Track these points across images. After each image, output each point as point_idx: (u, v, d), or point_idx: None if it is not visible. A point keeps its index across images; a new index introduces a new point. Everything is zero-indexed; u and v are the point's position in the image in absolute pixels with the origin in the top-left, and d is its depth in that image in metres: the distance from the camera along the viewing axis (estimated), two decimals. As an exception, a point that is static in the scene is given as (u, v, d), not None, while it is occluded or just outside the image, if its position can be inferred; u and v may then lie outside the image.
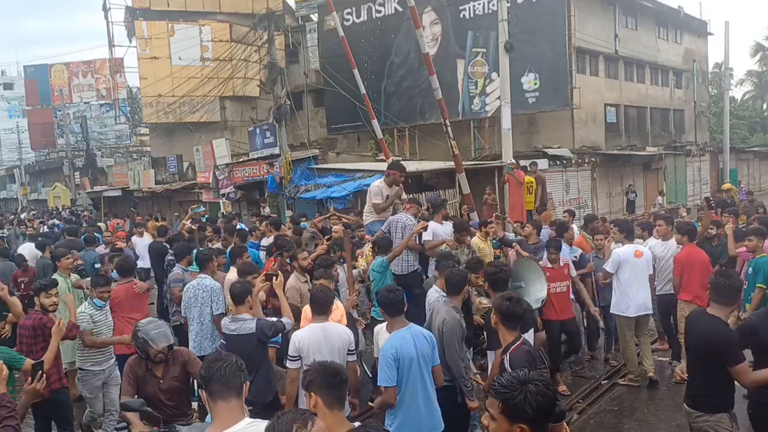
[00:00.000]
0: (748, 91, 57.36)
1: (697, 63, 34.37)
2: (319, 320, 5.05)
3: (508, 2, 17.71)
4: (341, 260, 7.69)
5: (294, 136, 25.39)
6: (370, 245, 8.31)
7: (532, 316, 5.73)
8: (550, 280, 7.41)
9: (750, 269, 7.34)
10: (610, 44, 26.73)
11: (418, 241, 7.92)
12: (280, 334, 5.62)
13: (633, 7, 28.11)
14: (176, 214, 27.28)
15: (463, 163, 17.57)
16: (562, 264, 7.85)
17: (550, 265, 7.74)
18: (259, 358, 5.29)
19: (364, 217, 9.19)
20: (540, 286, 7.07)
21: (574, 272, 8.08)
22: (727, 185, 21.40)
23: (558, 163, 21.40)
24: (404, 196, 9.15)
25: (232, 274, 7.19)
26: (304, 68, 29.04)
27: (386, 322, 4.88)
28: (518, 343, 4.19)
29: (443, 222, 8.31)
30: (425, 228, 7.75)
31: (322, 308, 5.08)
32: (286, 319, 5.55)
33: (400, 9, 25.13)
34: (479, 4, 23.94)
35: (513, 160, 14.65)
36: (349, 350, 5.01)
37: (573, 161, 22.17)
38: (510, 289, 6.18)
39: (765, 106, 55.71)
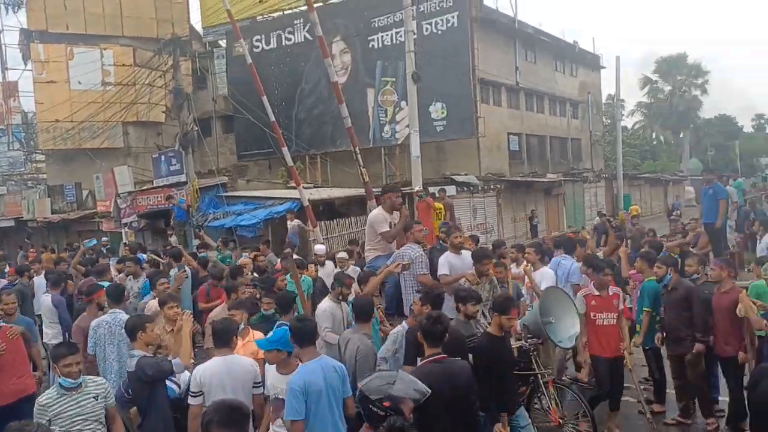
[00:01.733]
0: (638, 121, 61.47)
1: (592, 95, 36.52)
2: (221, 353, 4.92)
3: (414, 34, 18.22)
4: (339, 297, 6.76)
5: (202, 163, 24.82)
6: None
7: (459, 346, 5.11)
8: (595, 309, 6.62)
9: (638, 293, 7.55)
10: (512, 76, 28.00)
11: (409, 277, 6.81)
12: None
13: (532, 41, 29.62)
14: (75, 244, 25.85)
15: (376, 189, 17.77)
16: (611, 293, 6.76)
17: (596, 293, 6.73)
18: (149, 397, 5.01)
19: (366, 254, 8.16)
20: (572, 321, 6.34)
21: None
22: (634, 208, 22.58)
23: (465, 189, 22.04)
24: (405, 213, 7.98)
25: (153, 304, 6.95)
26: (212, 94, 28.57)
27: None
28: (430, 359, 4.44)
29: (460, 252, 7.12)
30: (406, 267, 6.66)
31: (223, 341, 4.95)
32: (177, 361, 5.18)
33: (309, 37, 25.29)
34: (387, 35, 24.50)
35: (420, 188, 14.94)
36: (254, 383, 4.90)
37: (479, 188, 22.90)
38: (538, 325, 6.11)
39: (654, 135, 59.85)
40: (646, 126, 59.10)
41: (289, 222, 14.80)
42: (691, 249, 10.30)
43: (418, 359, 4.78)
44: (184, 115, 19.02)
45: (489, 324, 6.03)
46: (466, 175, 23.10)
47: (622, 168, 33.43)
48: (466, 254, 7.06)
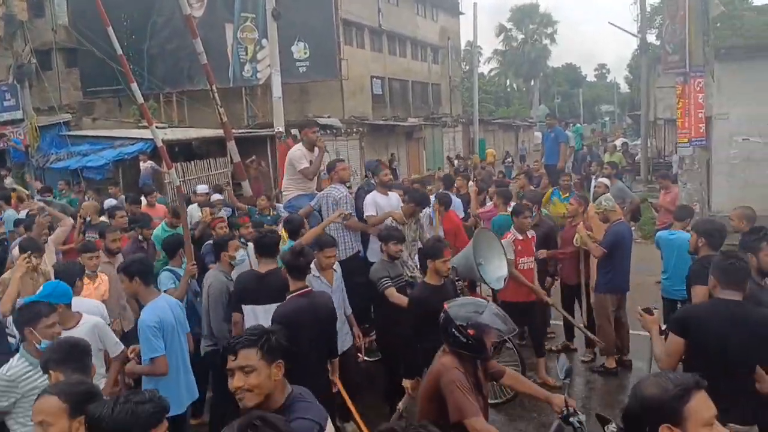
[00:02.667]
0: (494, 68, 64.17)
1: (451, 41, 37.48)
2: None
3: (275, -32, 17.56)
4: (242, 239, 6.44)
5: (42, 99, 22.69)
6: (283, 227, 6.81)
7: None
8: (519, 254, 6.49)
9: (489, 226, 7.78)
10: (375, 18, 27.98)
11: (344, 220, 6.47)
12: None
13: (394, -17, 29.69)
14: None
15: (236, 131, 17.27)
16: (530, 236, 6.71)
17: (519, 236, 6.63)
18: None
19: (284, 192, 7.71)
20: (499, 263, 6.08)
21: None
22: (490, 152, 23.70)
23: (328, 132, 22.02)
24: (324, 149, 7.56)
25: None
26: (51, 23, 25.93)
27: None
28: (296, 293, 4.50)
29: (387, 192, 6.79)
30: (346, 217, 6.33)
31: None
32: None
33: (162, -35, 23.59)
34: (247, -33, 23.43)
35: (281, 129, 14.75)
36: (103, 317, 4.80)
37: (342, 131, 22.97)
38: (469, 267, 5.83)
39: (508, 82, 62.82)
40: (501, 73, 61.86)
41: (141, 163, 14.06)
42: (532, 188, 11.11)
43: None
44: (17, 46, 17.14)
45: (417, 266, 6.07)
46: (329, 117, 23.06)
47: (478, 113, 34.93)
48: (393, 194, 6.82)
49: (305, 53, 23.66)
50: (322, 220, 6.55)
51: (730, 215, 6.04)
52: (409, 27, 31.84)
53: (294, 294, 4.53)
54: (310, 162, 7.22)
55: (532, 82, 59.98)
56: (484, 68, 60.55)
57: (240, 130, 18.50)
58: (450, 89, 37.80)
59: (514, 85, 60.50)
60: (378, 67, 28.89)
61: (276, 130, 14.39)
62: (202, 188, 10.37)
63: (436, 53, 35.92)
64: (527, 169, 14.99)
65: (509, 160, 26.59)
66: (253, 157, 15.49)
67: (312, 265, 5.02)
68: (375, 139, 25.93)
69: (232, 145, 13.00)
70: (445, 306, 3.41)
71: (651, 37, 24.60)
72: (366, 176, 8.11)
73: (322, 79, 24.18)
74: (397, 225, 6.24)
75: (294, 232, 6.08)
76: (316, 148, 7.31)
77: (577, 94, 65.53)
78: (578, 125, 18.47)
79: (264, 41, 21.76)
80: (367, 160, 12.97)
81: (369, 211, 6.52)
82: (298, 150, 7.33)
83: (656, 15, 29.25)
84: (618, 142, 26.52)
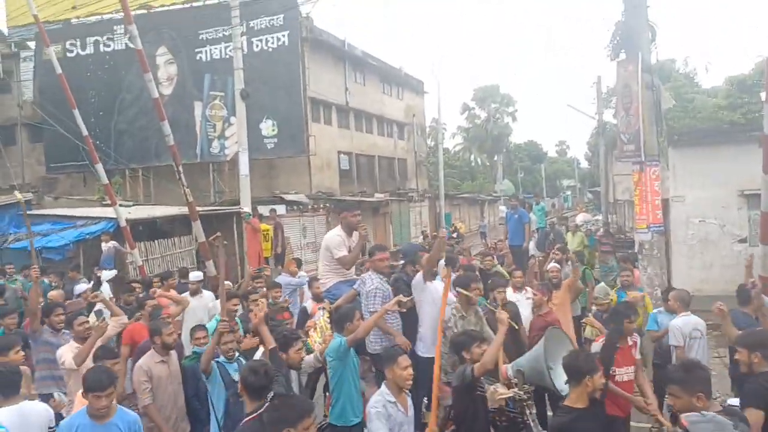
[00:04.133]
0: (458, 144, 65.77)
1: (416, 117, 38.47)
2: (10, 403, 4.48)
3: (244, 50, 18.00)
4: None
5: (3, 175, 22.40)
6: (327, 314, 6.32)
7: None
8: (617, 363, 5.36)
9: None
10: (342, 96, 28.66)
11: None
12: None
13: (361, 64, 30.56)
14: None
15: (202, 208, 17.15)
16: (630, 342, 5.59)
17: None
18: None
19: (321, 279, 7.17)
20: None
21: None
22: (460, 225, 23.97)
23: (295, 208, 22.08)
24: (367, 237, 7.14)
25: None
26: (17, 99, 25.91)
27: None
28: (253, 416, 4.06)
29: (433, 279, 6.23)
30: (405, 304, 5.72)
31: (10, 390, 4.51)
32: None
33: (131, 45, 23.94)
34: (216, 48, 23.94)
35: (247, 210, 14.75)
36: (49, 428, 4.60)
37: (309, 206, 23.04)
38: (539, 371, 5.04)
39: (472, 157, 64.28)
40: (466, 148, 63.38)
41: (103, 244, 13.79)
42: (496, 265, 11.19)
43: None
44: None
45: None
46: (296, 193, 23.16)
47: (444, 188, 35.46)
48: (439, 283, 6.14)
49: (273, 130, 23.98)
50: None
51: (669, 296, 6.31)
52: (375, 105, 32.65)
53: (249, 418, 4.06)
54: (349, 248, 6.76)
55: (496, 158, 61.59)
56: (449, 144, 62.15)
57: (206, 207, 18.40)
58: (416, 164, 38.49)
59: (479, 160, 61.99)
60: (345, 143, 29.36)
61: (242, 210, 14.33)
62: (196, 275, 9.65)
63: (402, 129, 36.75)
64: (494, 245, 15.16)
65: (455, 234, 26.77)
66: (218, 233, 15.36)
67: (384, 387, 4.53)
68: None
69: (197, 225, 12.88)
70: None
71: (609, 115, 25.67)
72: (402, 264, 7.08)
73: (289, 155, 24.42)
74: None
75: (341, 323, 5.41)
76: (355, 233, 6.80)
77: (540, 169, 67.39)
78: (542, 204, 18.83)
79: (232, 118, 22.02)
80: (403, 245, 12.53)
81: (425, 307, 5.97)
82: (337, 235, 6.78)
83: (613, 96, 30.60)
84: (579, 219, 27.10)
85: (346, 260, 6.71)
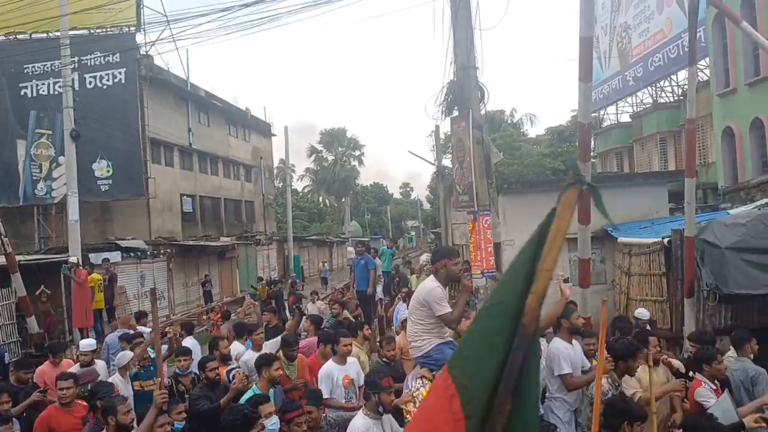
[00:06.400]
0: (307, 185, 66.14)
1: (264, 159, 38.21)
2: None
3: (75, 87, 16.92)
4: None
5: None
6: (429, 384, 5.24)
7: None
8: None
9: None
10: (185, 137, 27.78)
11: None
12: None
13: (204, 105, 29.92)
14: None
15: (24, 256, 15.63)
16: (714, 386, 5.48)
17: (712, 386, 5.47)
18: None
19: (413, 341, 5.73)
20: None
21: None
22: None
23: (132, 255, 20.78)
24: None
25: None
26: None
27: None
28: None
29: (572, 340, 5.64)
30: None
31: None
32: None
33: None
34: (44, 84, 22.29)
35: (74, 260, 13.68)
36: None
37: (148, 252, 21.82)
38: None
39: (321, 199, 64.87)
40: (314, 190, 63.90)
41: None
42: (347, 314, 11.30)
43: None
44: None
45: None
46: (133, 239, 21.85)
47: (292, 230, 35.33)
48: (577, 344, 5.65)
49: (108, 171, 22.61)
50: None
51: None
52: (221, 146, 32.00)
53: None
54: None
55: (343, 199, 62.66)
56: (297, 185, 62.27)
57: (29, 257, 16.75)
58: (264, 206, 38.06)
59: (327, 202, 62.67)
60: (188, 185, 28.35)
61: (69, 259, 13.26)
62: (86, 344, 7.91)
63: (249, 171, 36.27)
64: (342, 291, 15.33)
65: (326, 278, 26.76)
66: (42, 287, 14.05)
67: None
68: (185, 260, 24.94)
69: (17, 278, 11.69)
70: None
71: (447, 161, 27.24)
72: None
73: (126, 197, 23.11)
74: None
75: None
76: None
77: (385, 211, 69.49)
78: (386, 248, 19.38)
79: (61, 158, 20.45)
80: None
81: (563, 368, 5.47)
82: (437, 286, 5.51)
83: (450, 144, 32.53)
84: (423, 258, 28.21)
85: (451, 318, 5.44)
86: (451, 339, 5.68)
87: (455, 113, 8.97)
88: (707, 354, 5.60)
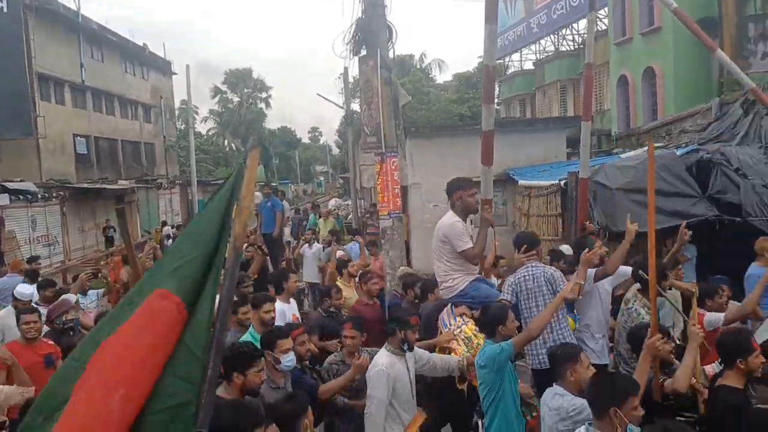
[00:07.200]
0: (211, 128, 63.82)
1: (165, 99, 36.46)
2: None
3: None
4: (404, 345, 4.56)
5: None
6: (472, 322, 5.06)
7: None
8: None
9: None
10: (76, 73, 25.99)
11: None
12: None
13: (98, 39, 28.01)
14: None
15: None
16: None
17: None
18: None
19: (442, 280, 5.47)
20: None
21: None
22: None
23: (21, 198, 19.48)
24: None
25: None
26: None
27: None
28: None
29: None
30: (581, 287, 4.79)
31: None
32: None
33: None
34: None
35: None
36: None
37: (39, 196, 20.53)
38: None
39: (226, 142, 62.93)
40: (219, 133, 61.83)
41: None
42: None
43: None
44: None
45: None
46: (22, 181, 20.45)
47: (196, 174, 34.16)
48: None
49: (-8, 109, 20.93)
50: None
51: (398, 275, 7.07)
52: (117, 84, 30.19)
53: None
54: (471, 237, 5.38)
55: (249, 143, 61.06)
56: (201, 128, 59.96)
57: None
58: (165, 149, 36.53)
59: (233, 146, 60.86)
60: (82, 125, 26.69)
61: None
62: (24, 290, 7.07)
63: (148, 112, 34.56)
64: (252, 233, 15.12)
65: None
66: None
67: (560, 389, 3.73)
68: (80, 204, 23.68)
69: None
70: None
71: (356, 105, 27.03)
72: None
73: (13, 137, 21.54)
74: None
75: (493, 326, 4.34)
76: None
77: (294, 156, 68.50)
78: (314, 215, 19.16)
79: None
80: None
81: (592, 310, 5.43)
82: (457, 221, 5.24)
83: (359, 87, 32.26)
84: (331, 204, 28.25)
85: (473, 253, 5.22)
86: (481, 277, 5.55)
87: (363, 53, 8.85)
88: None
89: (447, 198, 5.55)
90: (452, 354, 4.95)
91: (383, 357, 4.48)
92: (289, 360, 4.23)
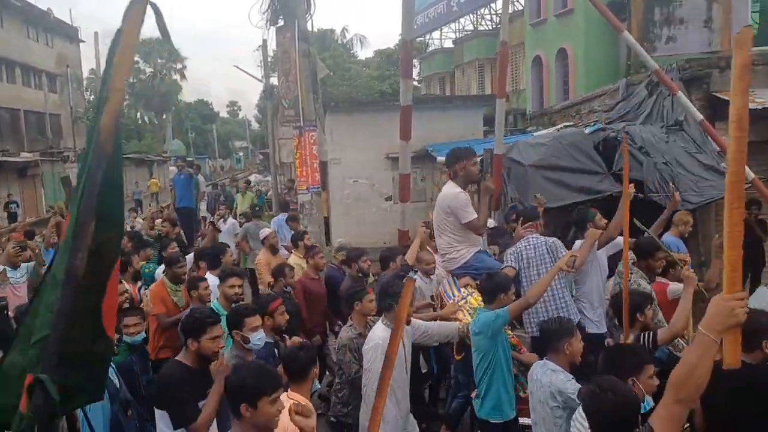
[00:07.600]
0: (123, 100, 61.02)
1: (71, 68, 34.51)
2: None
3: None
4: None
5: None
6: (477, 293, 5.01)
7: None
8: None
9: None
10: (-29, 38, 24.17)
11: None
12: None
13: (-3, 2, 26.13)
14: None
15: None
16: None
17: None
18: None
19: (445, 252, 5.43)
20: None
21: None
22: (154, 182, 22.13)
23: None
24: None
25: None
26: None
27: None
28: None
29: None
30: (580, 257, 4.88)
31: None
32: None
33: None
34: None
35: None
36: None
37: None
38: None
39: (139, 115, 60.40)
40: (131, 106, 59.22)
41: None
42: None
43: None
44: None
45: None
46: None
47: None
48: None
49: None
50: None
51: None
52: (17, 51, 28.27)
53: None
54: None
55: (164, 116, 58.84)
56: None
57: None
58: (72, 120, 34.65)
59: (146, 118, 58.49)
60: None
61: None
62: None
63: (53, 81, 32.63)
64: (159, 210, 14.63)
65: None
66: None
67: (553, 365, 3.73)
68: (-23, 178, 22.19)
69: None
70: None
71: (276, 79, 26.48)
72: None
73: None
74: None
75: (494, 294, 4.44)
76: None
77: (211, 130, 66.58)
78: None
79: None
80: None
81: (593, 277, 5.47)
82: (460, 192, 5.23)
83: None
84: (252, 178, 27.74)
85: (478, 224, 5.23)
86: (482, 248, 5.62)
87: (281, 23, 8.69)
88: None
89: (447, 168, 5.58)
90: (459, 323, 5.00)
91: (379, 330, 4.47)
92: (258, 338, 4.09)
